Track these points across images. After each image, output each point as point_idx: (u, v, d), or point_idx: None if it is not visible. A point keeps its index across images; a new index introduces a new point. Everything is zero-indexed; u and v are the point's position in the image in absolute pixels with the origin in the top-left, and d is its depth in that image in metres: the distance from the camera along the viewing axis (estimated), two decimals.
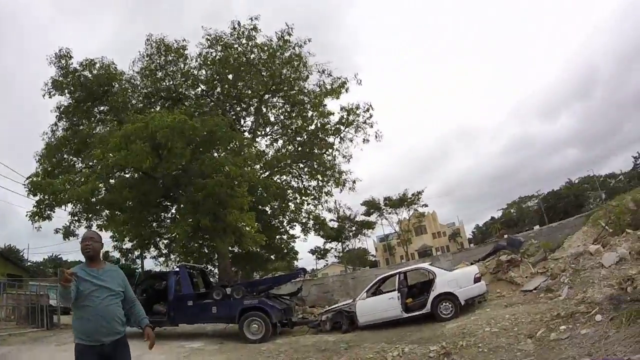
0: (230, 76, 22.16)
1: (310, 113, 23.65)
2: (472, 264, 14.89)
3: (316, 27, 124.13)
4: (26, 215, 18.34)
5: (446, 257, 20.07)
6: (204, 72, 22.61)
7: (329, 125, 23.37)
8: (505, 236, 18.41)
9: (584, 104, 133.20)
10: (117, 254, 25.60)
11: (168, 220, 23.79)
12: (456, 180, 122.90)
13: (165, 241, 23.66)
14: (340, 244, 55.12)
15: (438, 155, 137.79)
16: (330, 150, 23.87)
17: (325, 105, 23.40)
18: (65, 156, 21.43)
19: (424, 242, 73.10)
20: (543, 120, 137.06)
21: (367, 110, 22.99)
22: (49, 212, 18.39)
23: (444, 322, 10.52)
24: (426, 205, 57.16)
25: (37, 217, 18.23)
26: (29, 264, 49.36)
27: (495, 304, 11.23)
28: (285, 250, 29.73)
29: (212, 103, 23.33)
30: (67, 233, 20.29)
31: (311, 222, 25.63)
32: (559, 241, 15.55)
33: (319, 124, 23.57)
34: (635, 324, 5.74)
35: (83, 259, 3.82)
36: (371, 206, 53.54)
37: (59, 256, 59.80)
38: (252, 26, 21.62)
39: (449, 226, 78.29)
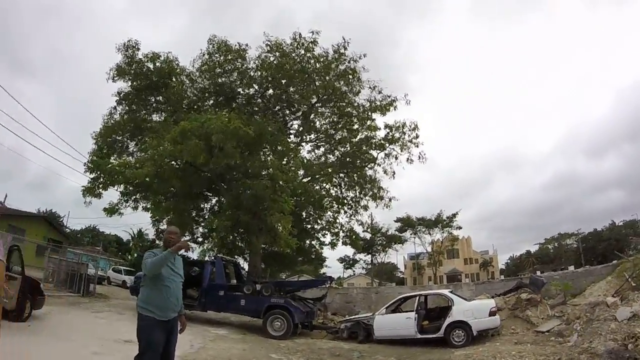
0: (283, 81, 22.77)
1: (356, 126, 24.12)
2: (492, 297, 15.14)
3: (372, 44, 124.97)
4: (81, 191, 19.71)
5: (469, 286, 20.21)
6: (259, 74, 23.26)
7: (374, 140, 23.77)
8: (530, 274, 18.56)
9: (634, 146, 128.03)
10: (152, 234, 26.86)
11: (207, 211, 25.02)
12: (495, 208, 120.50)
13: (202, 230, 24.79)
14: (369, 256, 55.26)
15: (480, 181, 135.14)
16: (372, 165, 24.23)
17: (374, 119, 23.76)
18: (119, 138, 22.93)
19: (454, 266, 72.07)
20: (590, 158, 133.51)
21: (414, 129, 23.22)
22: (101, 190, 19.81)
23: (454, 348, 10.89)
24: (460, 228, 56.50)
25: (90, 193, 19.67)
26: (67, 231, 51.64)
27: (507, 339, 11.42)
28: (314, 256, 30.51)
29: (263, 104, 24.12)
30: (112, 210, 21.48)
31: (342, 233, 26.22)
32: (583, 287, 15.68)
33: (363, 137, 24.02)
34: None
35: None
36: (405, 223, 53.30)
37: (97, 227, 62.70)
38: (312, 39, 22.31)
39: (482, 254, 76.83)
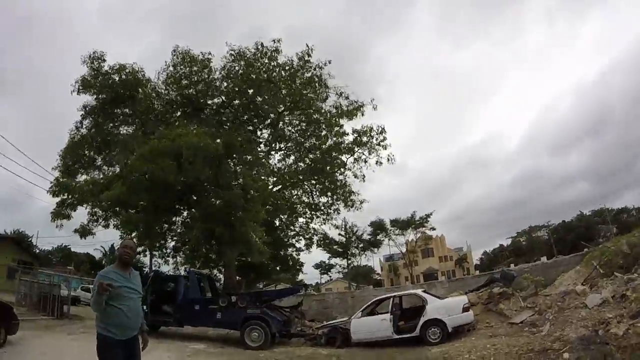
0: (250, 90, 22.70)
1: (324, 132, 24.28)
2: (465, 293, 15.42)
3: (345, 59, 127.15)
4: (51, 216, 19.37)
5: (443, 284, 20.51)
6: (225, 84, 23.22)
7: (343, 145, 23.97)
8: (501, 269, 18.89)
9: (596, 141, 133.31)
10: None
11: (179, 224, 24.72)
12: (467, 206, 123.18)
13: (172, 243, 24.45)
14: (345, 260, 55.44)
15: (450, 182, 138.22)
16: (342, 170, 24.44)
17: (342, 125, 23.97)
18: (86, 152, 22.29)
19: (430, 265, 72.88)
20: (555, 154, 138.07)
21: (381, 132, 23.57)
22: (70, 211, 19.42)
23: (431, 346, 11.13)
24: (434, 229, 57.38)
25: (58, 217, 19.28)
26: (37, 251, 50.24)
27: (482, 333, 11.72)
28: (291, 263, 30.44)
29: (231, 113, 23.95)
30: (84, 232, 21.11)
31: (316, 237, 26.28)
32: (553, 277, 16.02)
33: (332, 143, 24.18)
34: None
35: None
36: (378, 227, 53.94)
37: (67, 246, 61.23)
38: (274, 48, 22.41)
39: (456, 251, 77.97)
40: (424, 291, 14.27)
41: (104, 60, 21.53)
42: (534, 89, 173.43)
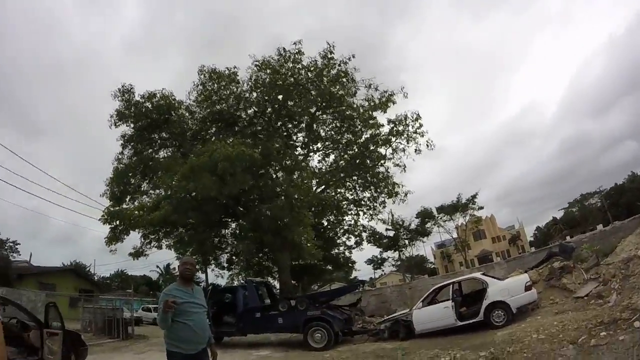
0: (280, 97, 22.89)
1: (359, 127, 24.11)
2: (525, 271, 14.99)
3: (365, 54, 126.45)
4: (104, 241, 20.25)
5: (501, 265, 20.09)
6: (254, 94, 23.48)
7: (379, 137, 23.73)
8: (558, 242, 18.43)
9: (637, 95, 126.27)
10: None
11: (229, 236, 25.27)
12: (513, 183, 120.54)
13: (226, 255, 25.02)
14: (396, 252, 55.08)
15: (491, 161, 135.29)
16: (382, 162, 24.21)
17: (375, 118, 23.73)
18: (132, 180, 23.20)
19: (483, 247, 71.41)
20: (595, 117, 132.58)
21: (416, 119, 23.22)
22: (123, 236, 20.25)
23: (496, 329, 10.79)
24: (482, 208, 56.08)
25: (112, 242, 20.14)
26: (96, 279, 52.56)
27: (547, 311, 11.33)
28: (342, 261, 30.59)
29: (264, 122, 24.21)
30: (138, 254, 22.07)
31: (365, 234, 26.30)
32: (613, 245, 15.50)
33: (369, 136, 24.00)
34: None
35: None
36: (425, 216, 53.11)
37: (124, 271, 63.58)
38: (296, 50, 22.51)
39: (508, 229, 75.94)
40: (483, 274, 14.01)
41: (134, 92, 22.41)
42: (563, 52, 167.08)
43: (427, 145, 23.57)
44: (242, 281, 20.75)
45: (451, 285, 13.34)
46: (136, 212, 19.56)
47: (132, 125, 22.74)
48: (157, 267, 58.47)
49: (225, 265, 25.01)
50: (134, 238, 21.89)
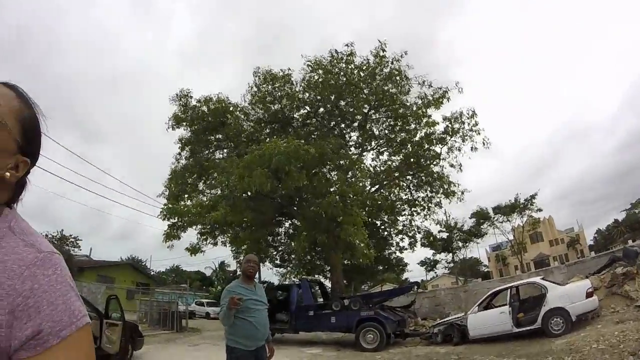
0: (332, 96, 22.98)
1: (413, 125, 23.80)
2: (586, 277, 14.52)
3: (415, 51, 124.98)
4: (162, 238, 21.13)
5: (560, 270, 19.46)
6: (307, 94, 23.73)
7: (434, 136, 23.29)
8: (621, 246, 17.70)
9: None
10: (233, 266, 28.16)
11: (283, 235, 25.75)
12: (572, 183, 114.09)
13: (280, 254, 25.49)
14: (450, 254, 54.18)
15: (550, 159, 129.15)
16: (437, 161, 23.71)
17: (429, 115, 23.33)
18: (189, 180, 24.06)
19: (540, 250, 68.84)
20: None
21: (472, 116, 22.59)
22: (181, 232, 21.05)
23: (554, 337, 10.43)
24: (540, 210, 53.94)
25: (170, 238, 20.98)
26: (152, 273, 54.98)
27: (608, 319, 10.84)
28: (394, 262, 30.51)
29: (318, 122, 24.50)
30: (194, 250, 22.70)
31: (419, 235, 26.09)
32: None
33: (423, 135, 23.64)
34: None
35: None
36: (480, 217, 51.63)
37: (179, 266, 65.78)
38: (349, 52, 22.58)
39: (567, 232, 72.70)
40: (543, 278, 13.67)
41: (191, 97, 23.34)
42: (628, 41, 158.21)
43: (484, 144, 22.80)
44: (294, 279, 21.07)
45: (509, 290, 13.04)
46: (194, 209, 20.23)
47: (189, 129, 23.63)
48: (213, 263, 60.08)
49: (279, 263, 25.48)
50: (191, 234, 22.63)
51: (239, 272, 34.65)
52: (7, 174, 0.88)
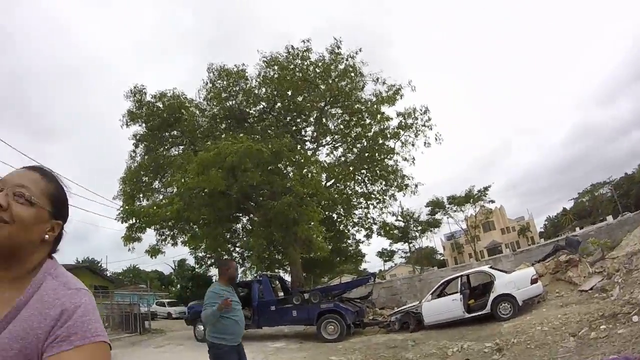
0: (288, 92, 23.06)
1: (368, 120, 24.09)
2: (532, 264, 15.34)
3: (373, 49, 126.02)
4: (122, 241, 20.70)
5: (508, 258, 20.40)
6: (263, 90, 23.65)
7: (388, 131, 23.67)
8: (565, 236, 18.72)
9: None
10: (192, 262, 28.13)
11: (241, 231, 25.80)
12: (522, 174, 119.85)
13: (238, 250, 25.52)
14: (406, 244, 55.35)
15: (500, 151, 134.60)
16: (391, 155, 24.14)
17: (383, 112, 23.68)
18: (144, 178, 23.69)
19: (492, 238, 71.32)
20: (604, 105, 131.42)
21: (425, 112, 23.13)
22: (139, 234, 20.78)
23: (502, 321, 11.16)
24: (493, 202, 56.08)
25: (130, 240, 20.67)
26: (109, 274, 53.72)
27: (552, 304, 11.63)
28: (351, 254, 31.00)
29: (274, 118, 24.45)
30: (155, 252, 22.40)
31: (375, 226, 26.60)
32: (620, 238, 15.79)
33: (377, 130, 23.97)
34: None
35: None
36: (435, 205, 53.20)
37: (136, 266, 64.67)
38: (305, 48, 22.70)
39: (518, 221, 75.52)
40: (491, 267, 14.37)
41: (145, 92, 22.75)
42: (567, 37, 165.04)
43: (436, 139, 23.53)
44: (255, 275, 21.21)
45: (460, 278, 13.74)
46: (150, 209, 20.02)
47: (143, 125, 23.15)
48: (173, 261, 59.31)
49: (239, 261, 25.49)
50: (150, 235, 22.30)
51: (197, 270, 34.56)
52: (47, 236, 1.17)
